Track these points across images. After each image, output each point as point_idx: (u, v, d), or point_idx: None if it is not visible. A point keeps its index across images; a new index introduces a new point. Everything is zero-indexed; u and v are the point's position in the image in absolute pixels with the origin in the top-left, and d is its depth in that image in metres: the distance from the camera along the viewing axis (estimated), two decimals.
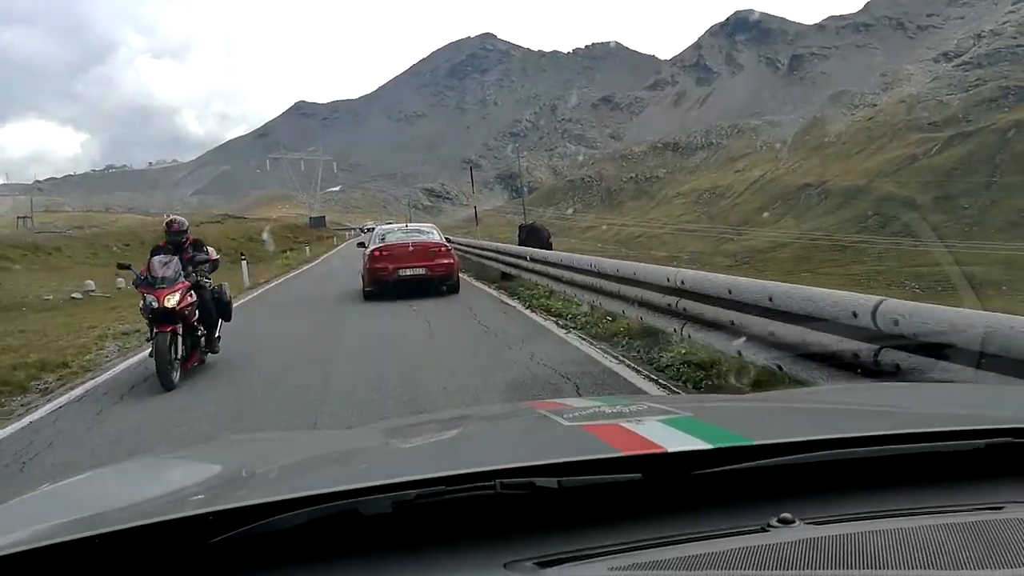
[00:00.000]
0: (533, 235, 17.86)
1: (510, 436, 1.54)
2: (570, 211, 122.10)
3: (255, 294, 17.91)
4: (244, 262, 21.13)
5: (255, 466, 1.32)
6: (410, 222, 21.94)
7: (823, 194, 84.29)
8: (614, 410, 1.41)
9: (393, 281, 13.74)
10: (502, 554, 0.84)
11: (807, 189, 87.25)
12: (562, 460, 0.97)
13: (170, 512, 0.85)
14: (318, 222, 76.70)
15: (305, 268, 30.34)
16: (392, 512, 0.88)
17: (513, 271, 14.86)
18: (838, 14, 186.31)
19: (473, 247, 21.94)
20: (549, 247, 16.31)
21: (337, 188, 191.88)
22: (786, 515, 0.89)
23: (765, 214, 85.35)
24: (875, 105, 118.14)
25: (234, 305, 13.90)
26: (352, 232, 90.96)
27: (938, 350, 3.32)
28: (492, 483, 0.90)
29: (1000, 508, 0.94)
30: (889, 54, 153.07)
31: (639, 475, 0.95)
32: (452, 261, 14.49)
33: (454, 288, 14.34)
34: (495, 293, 14.03)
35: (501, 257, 16.81)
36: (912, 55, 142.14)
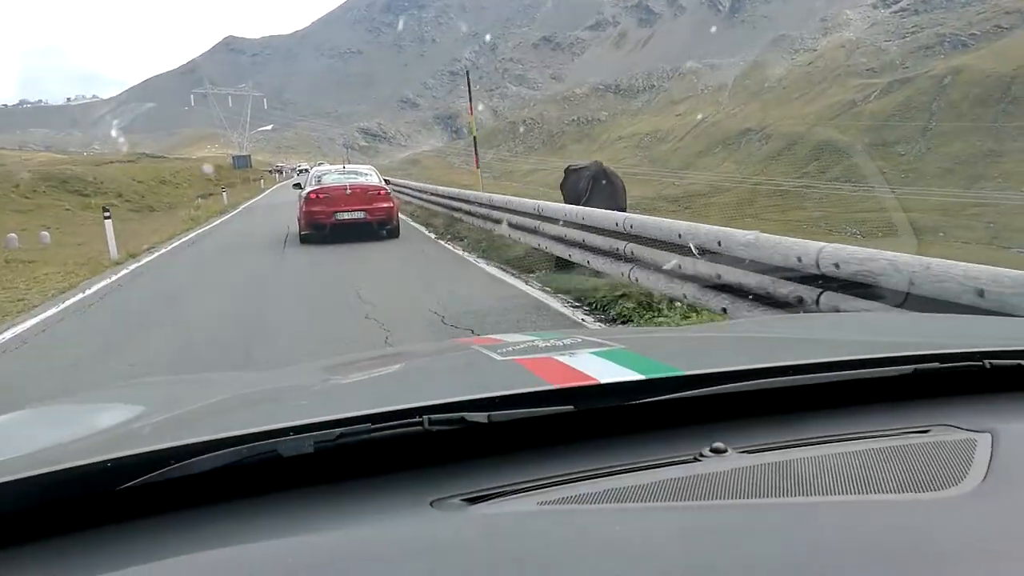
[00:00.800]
0: (601, 186, 9.91)
1: (441, 372, 1.50)
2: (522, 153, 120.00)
3: (114, 279, 11.23)
4: (108, 221, 14.41)
5: (173, 407, 1.27)
6: (348, 163, 20.14)
7: (764, 139, 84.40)
8: (547, 344, 1.39)
9: (330, 225, 13.34)
10: (429, 492, 0.83)
11: (748, 134, 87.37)
12: (492, 394, 0.95)
13: (67, 460, 0.82)
14: (242, 162, 64.50)
15: (217, 223, 23.01)
16: (314, 453, 0.86)
17: (586, 259, 7.87)
18: None
19: (473, 203, 14.49)
20: (623, 208, 9.20)
21: (269, 127, 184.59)
22: (718, 445, 0.90)
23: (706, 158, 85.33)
24: (815, 50, 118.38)
25: (40, 316, 8.31)
26: (282, 173, 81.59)
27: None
28: (420, 419, 0.89)
29: (926, 431, 0.96)
30: None
31: (571, 407, 0.95)
32: (391, 205, 14.18)
33: (394, 232, 13.97)
34: (567, 311, 7.05)
35: (548, 228, 9.27)
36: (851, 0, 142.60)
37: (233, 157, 66.83)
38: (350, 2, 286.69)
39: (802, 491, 0.79)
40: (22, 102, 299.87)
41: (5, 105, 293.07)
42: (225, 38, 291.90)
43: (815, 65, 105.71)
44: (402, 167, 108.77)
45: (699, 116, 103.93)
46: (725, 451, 0.89)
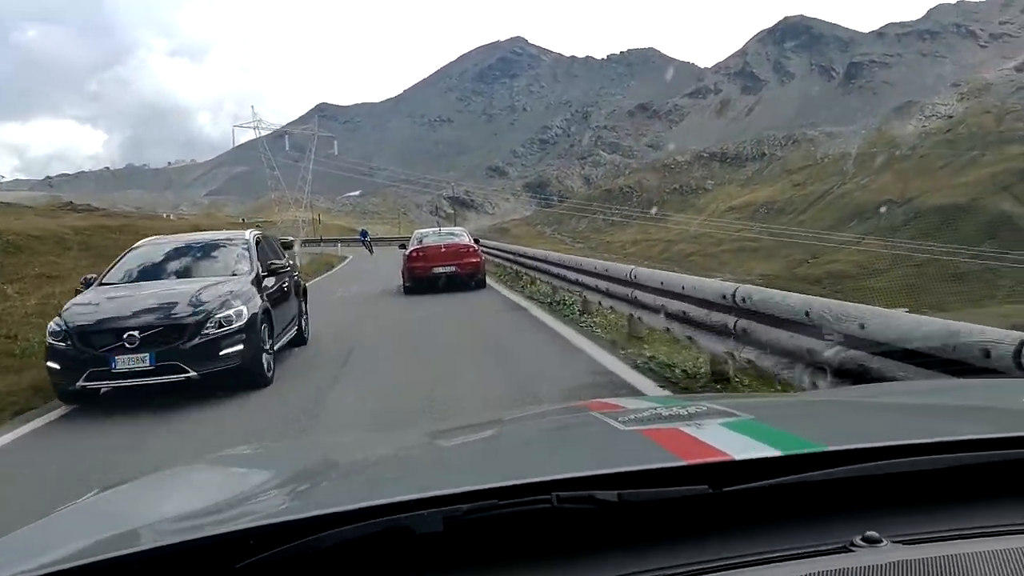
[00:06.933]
0: None
1: (563, 441, 1.42)
2: (653, 210, 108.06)
3: None
4: None
5: (292, 478, 1.26)
6: (440, 227, 21.12)
7: (912, 212, 72.26)
8: (671, 412, 1.32)
9: (428, 277, 15.87)
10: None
11: (889, 206, 75.18)
12: (621, 470, 0.89)
13: (193, 533, 0.80)
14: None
15: None
16: (442, 529, 0.82)
17: None
18: (897, 21, 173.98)
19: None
20: None
21: (356, 193, 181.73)
22: (872, 533, 0.81)
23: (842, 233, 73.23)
24: (951, 116, 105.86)
25: None
26: (337, 244, 52.59)
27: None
28: (548, 496, 0.84)
29: None
30: (959, 63, 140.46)
31: (706, 487, 0.87)
32: (479, 260, 16.77)
33: (481, 284, 16.49)
34: None
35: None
36: (987, 64, 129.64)
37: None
38: (442, 71, 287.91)
39: None
40: (128, 166, 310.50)
41: (108, 168, 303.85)
42: (317, 104, 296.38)
43: (956, 132, 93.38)
44: (489, 236, 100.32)
45: (824, 187, 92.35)
46: (880, 541, 0.80)
